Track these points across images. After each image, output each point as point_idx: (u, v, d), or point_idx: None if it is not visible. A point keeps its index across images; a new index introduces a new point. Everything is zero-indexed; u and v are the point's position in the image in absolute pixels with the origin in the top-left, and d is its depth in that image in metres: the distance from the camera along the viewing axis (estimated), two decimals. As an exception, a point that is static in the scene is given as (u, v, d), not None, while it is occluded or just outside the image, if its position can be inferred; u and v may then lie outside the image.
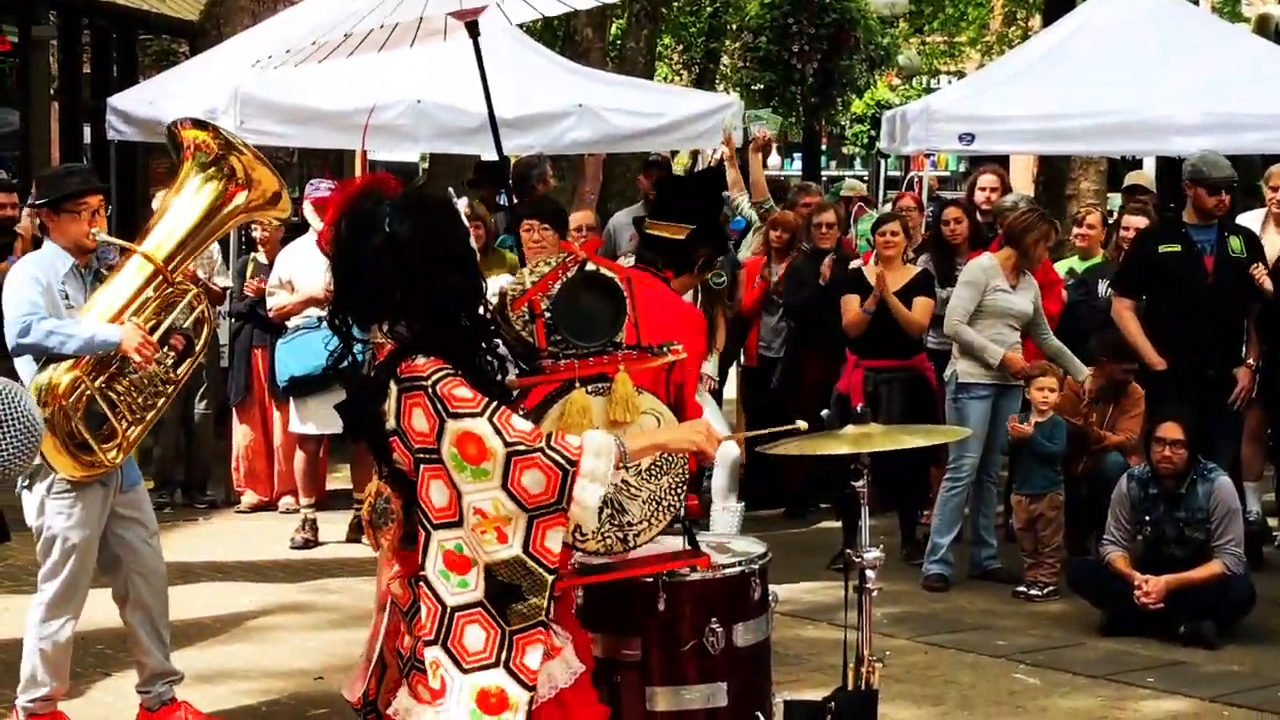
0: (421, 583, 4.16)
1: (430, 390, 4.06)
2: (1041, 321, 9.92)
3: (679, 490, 4.72)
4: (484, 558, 4.08)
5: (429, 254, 4.16)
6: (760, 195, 11.84)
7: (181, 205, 6.88)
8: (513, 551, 4.06)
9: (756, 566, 4.97)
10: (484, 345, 4.28)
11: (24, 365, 6.64)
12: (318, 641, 8.49)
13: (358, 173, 10.47)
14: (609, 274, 4.76)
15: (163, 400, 6.89)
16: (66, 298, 6.66)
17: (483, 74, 7.35)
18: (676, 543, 4.93)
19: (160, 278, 6.76)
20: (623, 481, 4.56)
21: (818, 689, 6.08)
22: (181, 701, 7.01)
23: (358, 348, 4.36)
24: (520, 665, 4.11)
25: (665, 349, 4.82)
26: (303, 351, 10.40)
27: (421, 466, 4.11)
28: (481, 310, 4.30)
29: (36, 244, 11.28)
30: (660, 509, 4.70)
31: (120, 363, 6.66)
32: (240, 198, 6.92)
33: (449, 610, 4.12)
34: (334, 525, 10.86)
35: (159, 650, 6.99)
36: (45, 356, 6.55)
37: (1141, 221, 10.81)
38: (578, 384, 4.60)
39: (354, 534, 10.74)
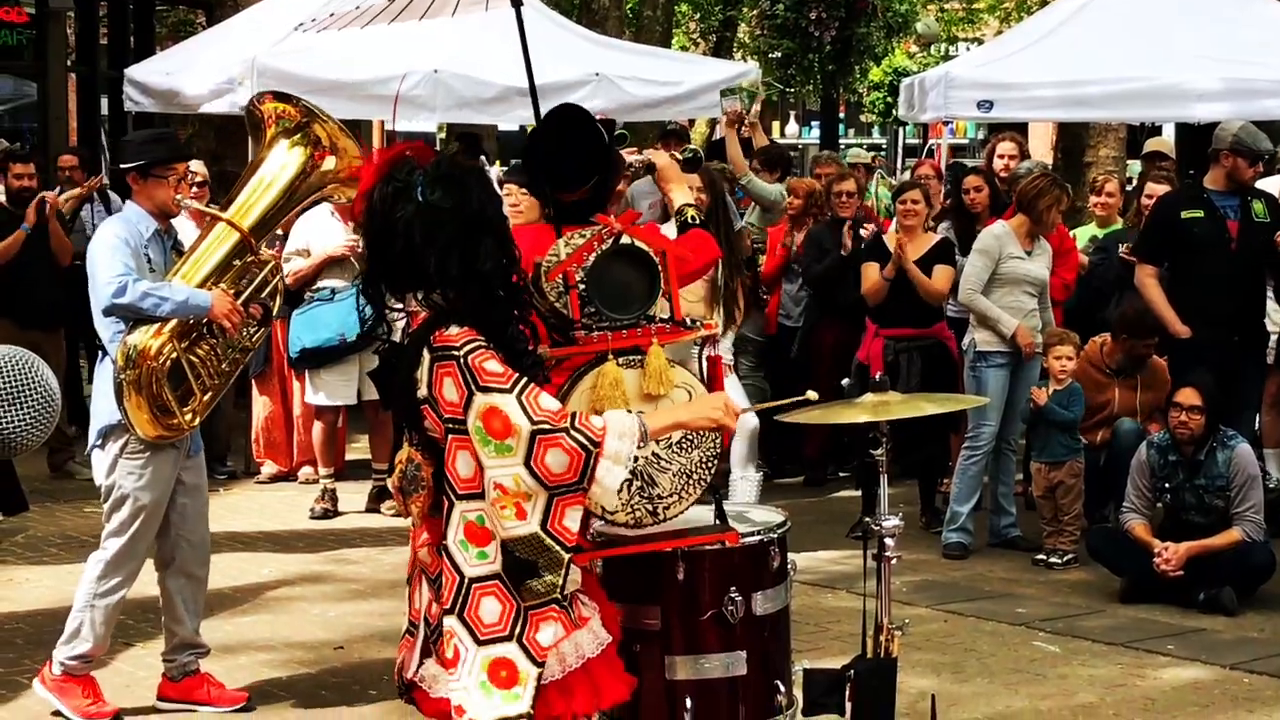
0: (443, 552, 4.17)
1: (461, 360, 4.07)
2: (1045, 293, 9.90)
3: (710, 465, 4.71)
4: (502, 533, 4.08)
5: (462, 222, 4.15)
6: (740, 172, 11.66)
7: (267, 173, 6.92)
8: (530, 528, 4.07)
9: (776, 535, 4.97)
10: (517, 314, 4.26)
11: (106, 325, 6.69)
12: (338, 611, 8.51)
13: (375, 143, 10.46)
14: (644, 247, 4.74)
15: (238, 367, 6.99)
16: (149, 261, 6.73)
17: (524, 44, 7.30)
18: (704, 514, 4.92)
19: (245, 246, 6.83)
20: (653, 454, 4.55)
21: (837, 657, 6.09)
22: (204, 673, 7.04)
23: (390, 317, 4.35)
24: (532, 641, 4.12)
25: (698, 323, 4.81)
26: (314, 324, 10.42)
27: (450, 436, 4.12)
28: (515, 279, 4.29)
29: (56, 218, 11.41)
30: (691, 483, 4.69)
31: (203, 328, 6.74)
32: (328, 163, 6.94)
33: (467, 581, 4.14)
34: (354, 495, 10.89)
35: (192, 621, 7.02)
36: (135, 318, 6.61)
37: (1164, 189, 10.76)
38: (611, 356, 4.59)
39: (373, 504, 10.77)
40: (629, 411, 4.32)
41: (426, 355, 4.13)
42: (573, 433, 4.06)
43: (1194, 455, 8.75)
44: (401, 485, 4.29)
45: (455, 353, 4.08)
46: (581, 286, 4.66)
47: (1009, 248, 9.69)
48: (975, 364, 9.75)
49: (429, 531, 4.27)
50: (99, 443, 6.77)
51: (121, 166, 6.92)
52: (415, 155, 4.22)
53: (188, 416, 6.70)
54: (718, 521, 4.87)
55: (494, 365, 4.07)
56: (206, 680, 7.02)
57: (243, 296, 6.80)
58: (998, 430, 9.72)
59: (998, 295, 9.67)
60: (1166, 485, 8.82)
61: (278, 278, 7.01)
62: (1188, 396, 8.73)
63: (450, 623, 4.15)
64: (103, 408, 6.70)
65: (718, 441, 4.75)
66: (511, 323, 4.22)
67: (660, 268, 4.75)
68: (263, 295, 6.92)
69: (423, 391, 4.14)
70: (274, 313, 7.05)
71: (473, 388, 4.05)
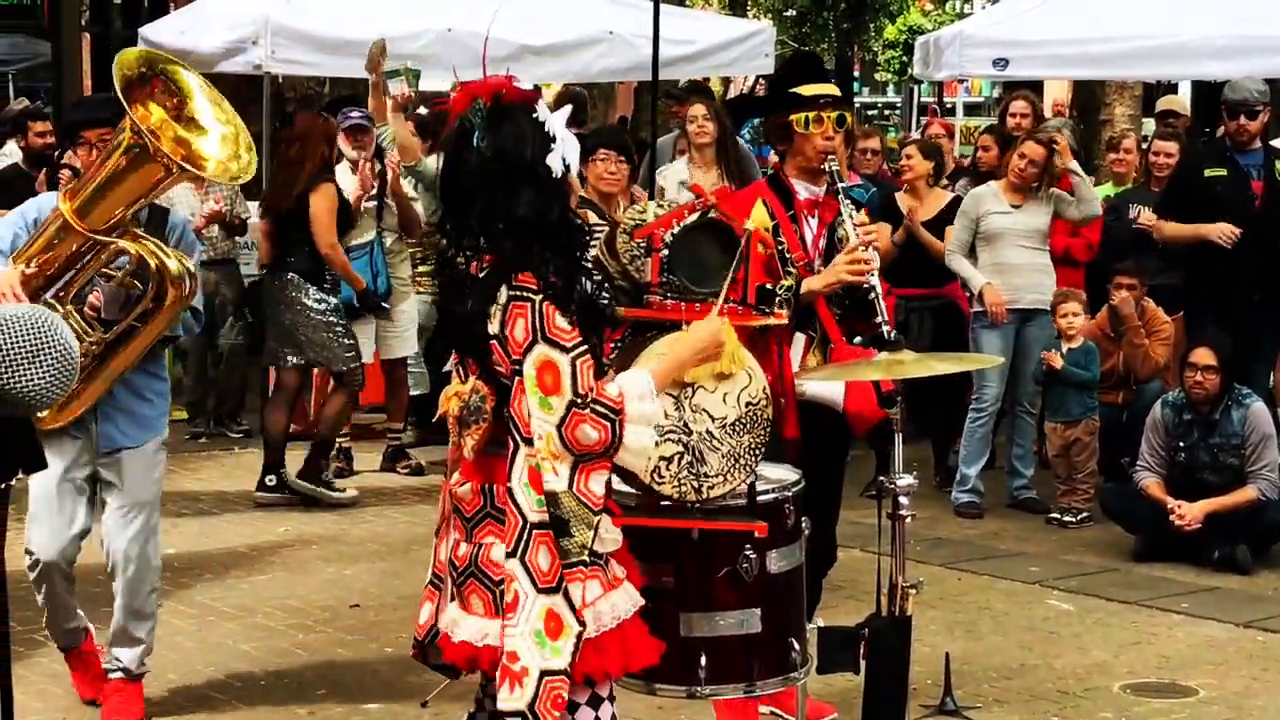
0: (508, 494, 4.16)
1: (536, 304, 4.08)
2: (1044, 241, 9.89)
3: (757, 452, 4.69)
4: (545, 484, 4.09)
5: (506, 170, 4.17)
6: (410, 158, 10.68)
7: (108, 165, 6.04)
8: (561, 485, 4.08)
9: (791, 494, 4.97)
10: (573, 266, 4.25)
11: None
12: (354, 570, 8.55)
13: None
14: (731, 225, 4.72)
15: (97, 362, 6.09)
16: None
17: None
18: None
19: (66, 225, 5.97)
20: (707, 432, 4.55)
21: (852, 616, 6.12)
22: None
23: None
24: (571, 597, 4.12)
25: (769, 311, 4.79)
26: None
27: (517, 378, 4.13)
28: (568, 229, 4.28)
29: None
30: (738, 466, 4.68)
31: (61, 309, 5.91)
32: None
33: (529, 525, 4.10)
34: (369, 455, 10.91)
35: (120, 624, 6.40)
36: None
37: (1172, 146, 10.73)
38: (685, 326, 4.59)
39: (388, 464, 10.80)
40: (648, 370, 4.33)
41: (504, 293, 4.13)
42: (595, 406, 4.06)
43: (1209, 414, 8.74)
44: (462, 415, 4.25)
45: (533, 296, 4.09)
46: (665, 252, 4.65)
47: (986, 205, 9.72)
48: (974, 325, 9.76)
49: (477, 469, 4.25)
50: None
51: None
52: (483, 95, 4.22)
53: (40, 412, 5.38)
54: (748, 508, 4.85)
55: (563, 321, 4.08)
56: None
57: (76, 285, 6.03)
58: (1002, 391, 9.72)
59: (988, 253, 9.70)
60: (1181, 444, 8.82)
61: (138, 250, 5.98)
62: (1202, 356, 8.72)
63: (512, 565, 4.13)
64: None
65: (768, 429, 4.75)
66: (568, 278, 4.21)
67: (743, 249, 4.74)
68: (125, 278, 6.07)
69: (494, 328, 4.14)
70: (139, 298, 6.05)
71: (538, 335, 4.06)
